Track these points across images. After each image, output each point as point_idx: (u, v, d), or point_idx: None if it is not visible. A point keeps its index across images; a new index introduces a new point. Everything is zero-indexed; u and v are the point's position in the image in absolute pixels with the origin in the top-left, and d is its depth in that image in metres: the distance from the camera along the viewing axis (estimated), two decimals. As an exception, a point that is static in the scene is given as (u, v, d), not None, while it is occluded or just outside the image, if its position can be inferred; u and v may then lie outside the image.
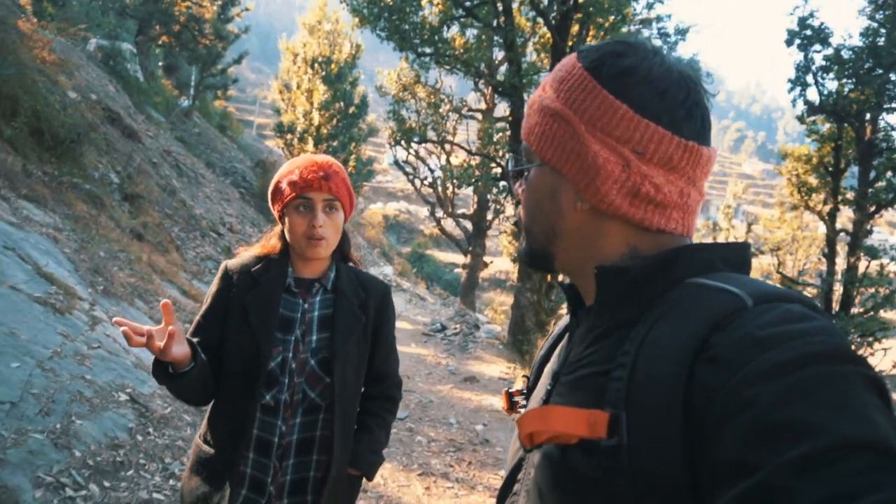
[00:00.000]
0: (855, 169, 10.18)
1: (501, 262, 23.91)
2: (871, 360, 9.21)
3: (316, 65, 20.69)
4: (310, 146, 20.24)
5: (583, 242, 0.71)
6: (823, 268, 11.74)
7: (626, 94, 0.67)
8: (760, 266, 20.17)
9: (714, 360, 0.53)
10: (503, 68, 13.18)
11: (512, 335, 10.08)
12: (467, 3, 10.06)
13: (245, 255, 1.60)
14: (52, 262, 4.87)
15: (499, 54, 13.44)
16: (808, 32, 9.29)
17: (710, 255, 0.66)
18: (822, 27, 9.23)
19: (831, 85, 9.46)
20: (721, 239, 21.19)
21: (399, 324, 10.79)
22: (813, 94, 9.64)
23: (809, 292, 11.56)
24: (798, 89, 9.59)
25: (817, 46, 9.33)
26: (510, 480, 0.77)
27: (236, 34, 20.25)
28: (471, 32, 12.88)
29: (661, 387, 0.56)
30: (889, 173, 9.69)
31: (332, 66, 20.80)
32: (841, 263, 10.78)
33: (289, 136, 21.00)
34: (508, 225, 15.80)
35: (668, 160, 0.67)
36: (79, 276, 5.06)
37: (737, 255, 0.68)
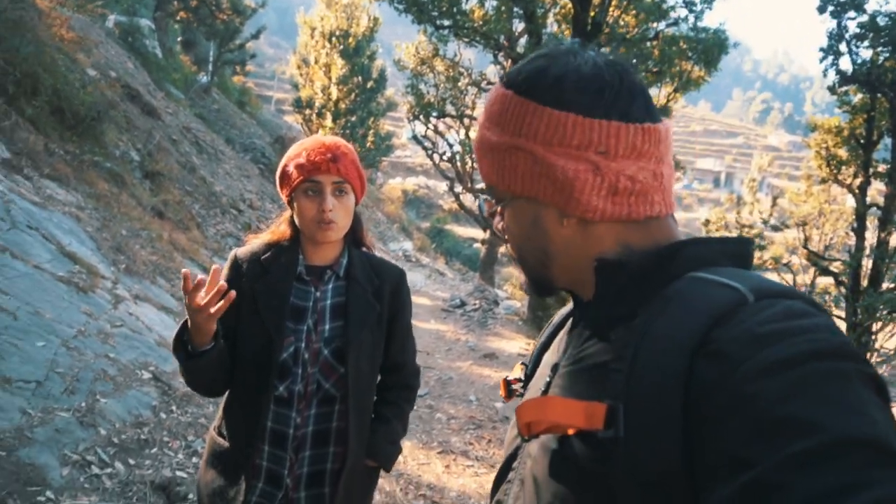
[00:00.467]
0: (888, 141, 9.85)
1: (521, 237, 23.67)
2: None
3: (333, 39, 20.50)
4: (328, 121, 20.18)
5: (577, 256, 0.72)
6: (851, 243, 11.47)
7: (568, 102, 0.67)
8: (786, 241, 19.78)
9: (714, 355, 0.53)
10: (523, 40, 12.91)
11: (532, 311, 10.04)
12: (486, -27, 9.82)
13: (254, 242, 1.56)
14: (74, 240, 4.92)
15: (518, 26, 13.15)
16: (842, -2, 8.91)
17: (712, 250, 0.66)
18: (857, -8, 8.84)
19: (865, 53, 9.11)
20: (745, 213, 20.84)
21: (418, 299, 10.82)
22: (846, 64, 9.28)
23: (836, 268, 11.31)
24: (830, 58, 9.23)
25: (851, 13, 8.95)
26: (505, 468, 0.77)
27: (253, 8, 20.09)
28: (490, 4, 12.59)
29: (661, 380, 0.56)
30: (924, 145, 9.36)
31: (350, 39, 20.60)
32: (870, 238, 10.51)
33: (307, 112, 20.94)
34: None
35: (633, 148, 0.67)
36: (101, 254, 5.11)
37: (738, 250, 0.68)
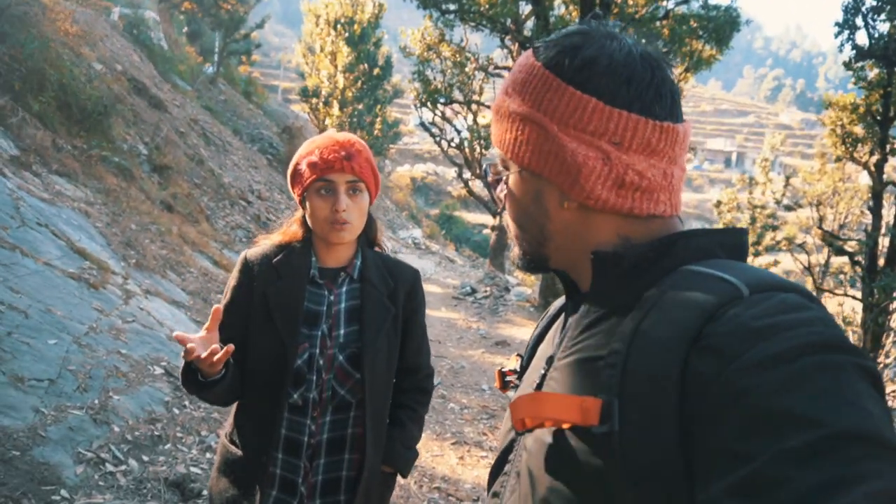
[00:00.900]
0: (905, 117, 9.63)
1: (531, 222, 23.58)
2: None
3: (339, 26, 20.34)
4: (335, 110, 20.09)
5: (574, 240, 0.71)
6: (867, 221, 11.30)
7: (593, 86, 0.67)
8: (799, 220, 19.55)
9: (709, 349, 0.53)
10: (530, 23, 12.74)
11: (543, 297, 9.99)
12: (492, -45, 9.66)
13: (265, 243, 1.51)
14: (84, 236, 4.92)
15: (525, 8, 12.95)
16: (858, -30, 8.69)
17: (708, 242, 0.66)
18: (874, -36, 8.61)
19: (883, 27, 8.88)
20: (757, 194, 20.62)
21: (429, 287, 10.79)
22: (862, 38, 9.06)
23: (852, 247, 11.16)
24: (846, 33, 9.01)
25: (867, -14, 8.73)
26: (501, 461, 0.77)
27: (257, -3, 19.97)
28: (496, -14, 12.41)
29: (655, 375, 0.56)
30: (942, 121, 9.15)
31: (355, 26, 20.43)
32: (887, 217, 10.34)
33: (314, 101, 20.85)
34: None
35: (647, 145, 0.67)
36: (111, 249, 5.11)
37: (734, 241, 0.68)
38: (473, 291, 10.38)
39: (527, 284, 13.23)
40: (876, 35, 8.88)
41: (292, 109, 29.69)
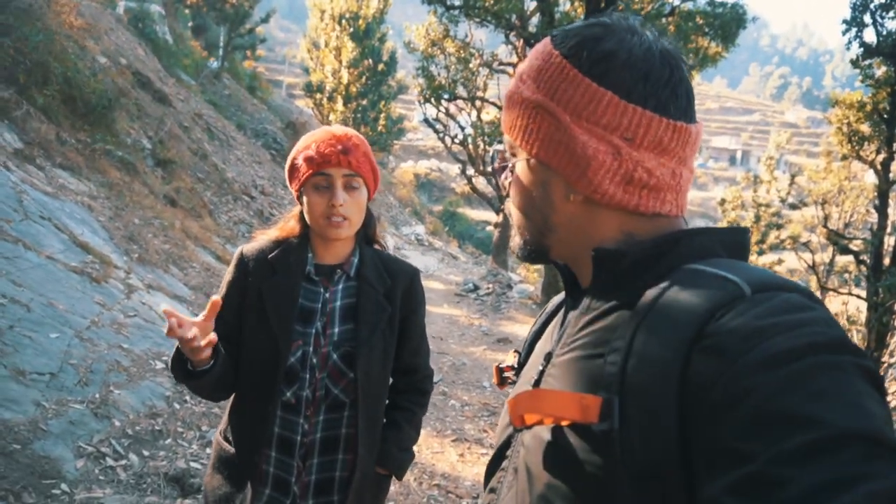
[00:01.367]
0: (913, 116, 9.56)
1: (534, 219, 23.54)
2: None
3: (343, 21, 20.32)
4: (339, 105, 20.08)
5: (577, 233, 0.71)
6: (872, 220, 11.24)
7: (609, 79, 0.66)
8: (804, 219, 19.46)
9: (711, 348, 0.53)
10: (535, 19, 12.69)
11: (545, 294, 9.97)
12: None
13: (262, 238, 1.49)
14: (87, 230, 4.93)
15: (530, 4, 12.90)
16: (867, -33, 8.62)
17: (710, 241, 0.66)
18: (882, -39, 8.54)
19: (891, 24, 8.85)
20: (762, 192, 20.55)
21: (431, 284, 10.79)
22: (870, 36, 9.03)
23: (857, 246, 11.10)
24: (854, 30, 8.95)
25: (876, -17, 8.66)
26: (498, 457, 0.77)
27: (262, -8, 19.94)
28: (501, -19, 12.35)
29: (656, 373, 0.55)
30: (950, 120, 9.08)
31: (360, 21, 20.40)
32: (893, 216, 10.28)
33: (318, 96, 20.86)
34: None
35: (658, 143, 0.66)
36: (114, 244, 5.12)
37: (736, 240, 0.67)
38: (476, 288, 10.37)
39: (530, 281, 13.22)
40: (884, 32, 8.82)
41: (296, 105, 29.67)
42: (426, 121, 16.65)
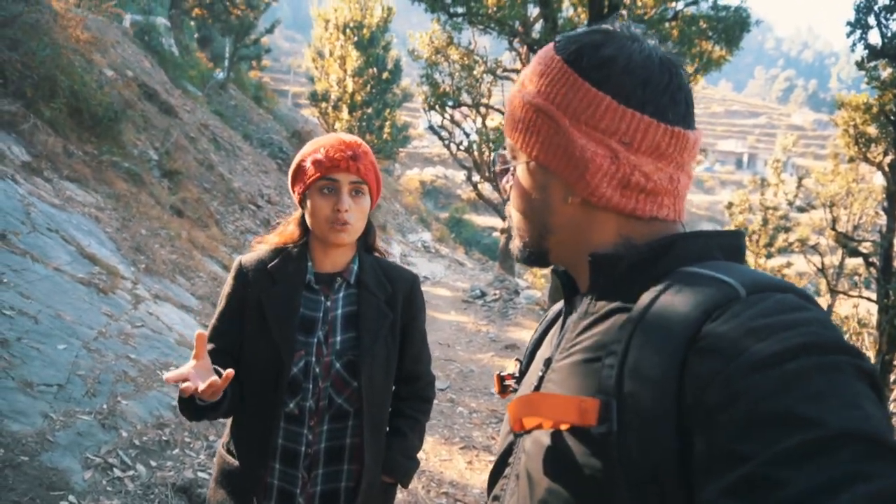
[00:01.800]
0: (920, 117, 9.51)
1: (540, 224, 23.51)
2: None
3: (348, 30, 20.41)
4: (344, 114, 20.15)
5: (575, 235, 0.72)
6: (881, 222, 11.16)
7: (609, 84, 0.67)
8: (812, 222, 19.34)
9: (707, 349, 0.53)
10: (538, 25, 12.71)
11: (552, 300, 9.93)
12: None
13: (261, 248, 1.49)
14: (94, 241, 4.95)
15: (533, 11, 12.93)
16: (870, -31, 8.60)
17: (705, 244, 0.67)
18: (886, -38, 8.51)
19: (895, 26, 8.79)
20: (769, 195, 20.47)
21: (438, 290, 10.78)
22: (875, 37, 8.98)
23: (866, 248, 11.02)
24: (858, 32, 8.93)
25: (880, -16, 8.64)
26: (501, 464, 0.77)
27: (267, 2, 20.10)
28: (504, -11, 12.39)
29: (653, 375, 0.56)
30: (958, 120, 9.02)
31: (364, 30, 20.49)
32: (902, 218, 10.20)
33: (323, 105, 20.93)
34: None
35: (656, 148, 0.67)
36: (121, 255, 5.14)
37: (731, 243, 0.68)
38: (483, 295, 10.35)
39: (537, 287, 13.19)
40: (889, 34, 8.79)
41: (302, 114, 29.83)
42: (431, 128, 16.69)
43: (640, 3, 9.78)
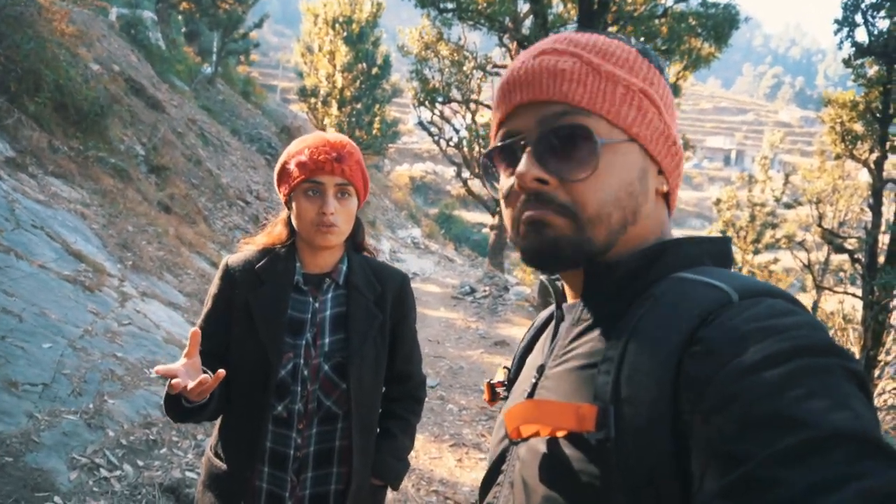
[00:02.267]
0: (905, 114, 9.60)
1: (530, 221, 23.54)
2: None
3: (337, 25, 20.28)
4: (334, 109, 20.05)
5: (648, 228, 0.69)
6: (867, 219, 11.27)
7: (666, 87, 0.70)
8: (799, 218, 19.51)
9: (702, 353, 0.54)
10: (528, 21, 12.71)
11: (542, 297, 9.95)
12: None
13: (248, 249, 1.46)
14: (80, 238, 4.89)
15: (523, 7, 12.93)
16: (857, -33, 8.65)
17: (695, 250, 0.67)
18: (873, -39, 8.57)
19: (882, 24, 8.86)
20: (757, 191, 20.61)
21: (428, 287, 10.77)
22: (862, 35, 9.04)
23: (852, 244, 11.12)
24: (845, 30, 8.98)
25: (867, -17, 8.69)
26: (493, 471, 0.76)
27: (255, -4, 19.90)
28: (494, -16, 12.36)
29: (649, 381, 0.56)
30: (942, 118, 9.12)
31: (354, 25, 20.37)
32: (887, 214, 10.31)
33: (312, 100, 20.80)
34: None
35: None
36: (107, 251, 5.09)
37: (720, 250, 0.69)
38: (472, 291, 10.35)
39: (526, 284, 13.20)
40: (875, 32, 8.86)
41: (291, 109, 29.63)
42: (421, 124, 16.66)
43: (629, 0, 9.80)
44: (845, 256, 11.51)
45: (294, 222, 1.40)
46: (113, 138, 7.67)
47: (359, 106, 20.52)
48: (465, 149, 16.26)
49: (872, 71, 9.76)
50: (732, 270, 0.66)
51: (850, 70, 9.85)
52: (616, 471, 0.56)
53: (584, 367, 0.64)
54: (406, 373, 1.55)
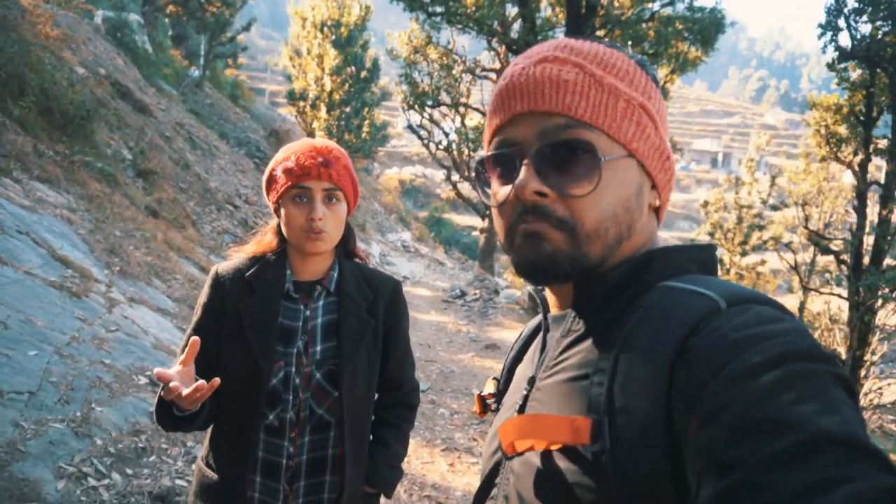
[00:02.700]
0: (888, 117, 9.74)
1: (520, 223, 23.58)
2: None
3: (325, 28, 20.24)
4: (322, 113, 19.99)
5: (640, 241, 0.70)
6: (852, 220, 11.40)
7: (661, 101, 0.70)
8: (785, 220, 19.69)
9: (693, 361, 0.54)
10: (517, 25, 12.75)
11: (532, 300, 9.97)
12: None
13: (238, 257, 1.45)
14: (66, 244, 4.84)
15: (512, 11, 12.97)
16: (841, -28, 8.77)
17: (682, 258, 0.67)
18: (855, -34, 8.69)
19: (865, 28, 8.98)
20: (744, 193, 20.78)
21: (418, 291, 10.76)
22: (845, 39, 9.16)
23: (837, 246, 11.24)
24: (829, 34, 9.10)
25: (849, -12, 8.81)
26: (487, 485, 0.75)
27: (243, 0, 19.84)
28: (482, -12, 12.39)
29: (642, 391, 0.56)
30: (925, 120, 9.25)
31: (342, 29, 20.33)
32: (871, 216, 10.44)
33: (301, 104, 20.73)
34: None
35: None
36: (94, 257, 5.03)
37: (706, 257, 0.69)
38: (463, 294, 10.35)
39: (516, 287, 13.22)
40: (858, 36, 8.98)
41: (279, 113, 29.52)
42: (410, 127, 16.66)
43: (616, 4, 9.86)
44: (831, 258, 11.62)
45: (283, 230, 1.39)
46: (99, 142, 7.60)
47: (348, 109, 20.47)
48: (455, 152, 16.27)
49: (856, 74, 9.89)
50: (718, 277, 0.67)
51: (833, 73, 9.98)
52: (612, 482, 0.56)
53: (575, 379, 0.64)
54: (399, 379, 1.54)
